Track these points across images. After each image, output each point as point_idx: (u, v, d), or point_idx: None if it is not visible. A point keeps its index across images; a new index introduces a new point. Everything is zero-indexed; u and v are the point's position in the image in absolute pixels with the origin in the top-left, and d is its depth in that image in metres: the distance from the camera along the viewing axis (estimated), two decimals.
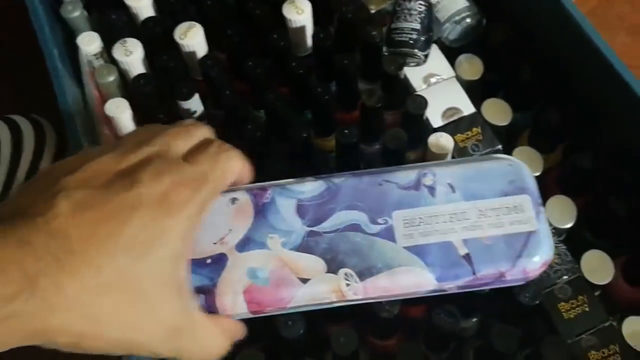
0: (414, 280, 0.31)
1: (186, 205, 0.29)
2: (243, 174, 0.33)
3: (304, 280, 0.31)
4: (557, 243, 0.40)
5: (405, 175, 0.34)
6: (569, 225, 0.41)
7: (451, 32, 0.47)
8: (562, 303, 0.39)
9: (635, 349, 0.38)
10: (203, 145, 0.32)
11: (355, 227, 0.32)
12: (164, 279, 0.28)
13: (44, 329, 0.25)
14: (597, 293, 0.42)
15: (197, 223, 0.30)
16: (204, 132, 0.33)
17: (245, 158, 0.33)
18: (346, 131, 0.42)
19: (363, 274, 0.31)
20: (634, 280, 0.42)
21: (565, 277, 0.39)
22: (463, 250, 0.31)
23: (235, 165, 0.32)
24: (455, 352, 0.41)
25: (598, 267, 0.41)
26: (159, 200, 0.28)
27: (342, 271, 0.31)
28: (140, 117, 0.46)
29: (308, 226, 0.32)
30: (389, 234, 0.32)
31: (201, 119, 0.44)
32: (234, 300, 0.31)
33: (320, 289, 0.31)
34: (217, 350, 0.31)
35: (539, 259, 0.31)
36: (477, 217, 0.32)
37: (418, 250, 0.31)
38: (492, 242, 0.31)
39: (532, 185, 0.33)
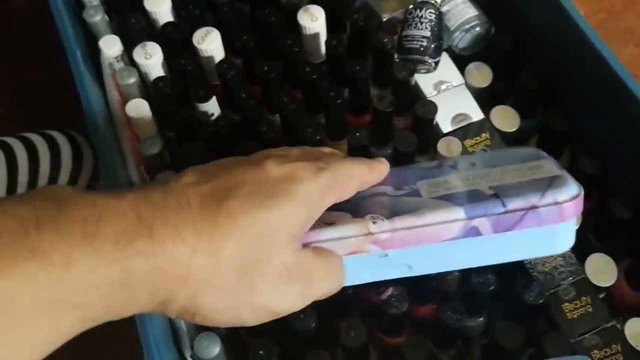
0: (443, 214, 0.32)
1: (309, 180, 0.30)
2: (372, 177, 0.35)
3: (331, 224, 0.32)
4: None
5: (428, 163, 0.36)
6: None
7: (461, 41, 0.48)
8: (566, 303, 0.40)
9: (637, 349, 0.39)
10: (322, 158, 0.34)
11: (381, 194, 0.34)
12: (283, 234, 0.29)
13: (188, 272, 0.27)
14: (601, 295, 0.43)
15: (316, 209, 0.31)
16: (321, 150, 0.37)
17: (375, 163, 0.35)
18: (358, 134, 0.43)
19: (390, 215, 0.32)
20: (637, 284, 0.43)
21: (569, 278, 0.41)
22: (490, 192, 0.32)
23: (359, 170, 0.34)
24: (461, 350, 0.42)
25: (602, 270, 0.42)
26: (283, 174, 0.30)
27: (368, 215, 0.32)
28: (159, 118, 0.48)
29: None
30: (414, 194, 0.33)
31: (218, 121, 0.46)
32: None
33: (348, 228, 0.32)
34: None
35: (568, 191, 0.32)
36: (500, 174, 0.33)
37: (445, 197, 0.32)
38: (518, 184, 0.32)
39: (550, 158, 0.35)
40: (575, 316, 0.39)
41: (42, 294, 0.23)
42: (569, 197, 0.32)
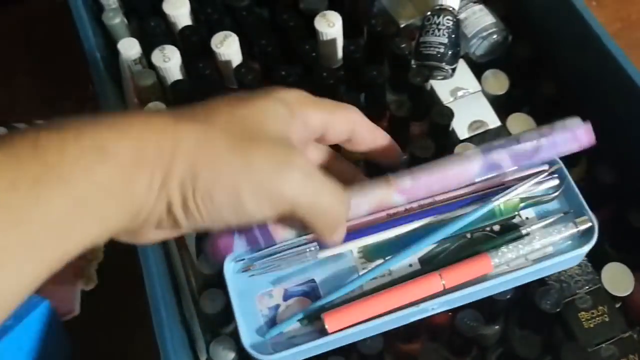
0: (462, 160, 0.33)
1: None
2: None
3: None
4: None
5: None
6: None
7: (478, 48, 0.48)
8: (583, 312, 0.39)
9: None
10: None
11: None
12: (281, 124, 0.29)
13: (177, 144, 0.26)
14: (617, 305, 0.42)
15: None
16: None
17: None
18: None
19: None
20: None
21: (586, 287, 0.40)
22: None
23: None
24: (477, 358, 0.41)
25: (618, 279, 0.41)
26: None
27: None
28: None
29: None
30: None
31: None
32: None
33: (368, 185, 0.33)
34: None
35: (576, 121, 0.34)
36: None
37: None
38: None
39: None
40: (591, 325, 0.39)
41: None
42: (577, 123, 0.34)
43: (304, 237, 0.36)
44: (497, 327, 0.41)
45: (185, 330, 0.41)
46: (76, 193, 0.24)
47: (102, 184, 0.24)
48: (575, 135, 0.34)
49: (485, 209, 0.35)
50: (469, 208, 0.35)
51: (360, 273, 0.35)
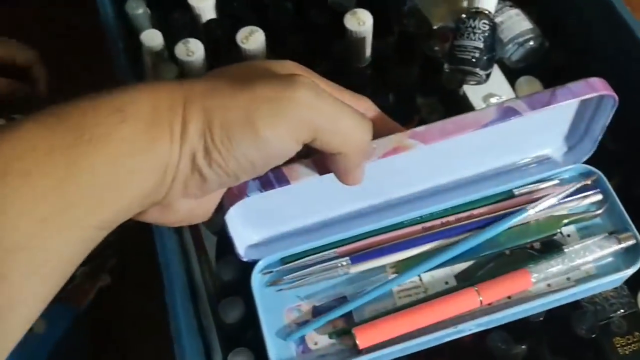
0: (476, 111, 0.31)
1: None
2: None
3: None
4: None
5: None
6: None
7: (514, 53, 0.45)
8: (618, 337, 0.37)
9: None
10: None
11: None
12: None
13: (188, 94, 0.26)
14: None
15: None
16: None
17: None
18: None
19: None
20: None
21: (621, 311, 0.37)
22: None
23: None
24: None
25: None
26: None
27: None
28: None
29: None
30: None
31: None
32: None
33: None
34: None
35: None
36: None
37: None
38: None
39: None
40: (627, 352, 0.36)
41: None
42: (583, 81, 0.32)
43: (333, 250, 0.34)
44: (523, 347, 0.38)
45: (202, 338, 0.39)
46: (107, 152, 0.24)
47: (129, 142, 0.25)
48: (589, 83, 0.31)
49: (520, 217, 0.33)
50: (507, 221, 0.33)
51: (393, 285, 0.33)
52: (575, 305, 0.37)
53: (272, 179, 0.30)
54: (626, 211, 0.40)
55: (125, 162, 0.25)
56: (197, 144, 0.26)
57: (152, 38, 0.46)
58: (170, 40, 0.46)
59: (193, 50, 0.45)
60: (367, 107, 0.33)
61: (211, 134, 0.26)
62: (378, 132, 0.32)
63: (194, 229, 0.41)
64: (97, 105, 0.25)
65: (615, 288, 0.38)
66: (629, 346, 0.36)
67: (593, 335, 0.35)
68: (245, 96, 0.26)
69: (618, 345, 0.36)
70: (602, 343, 0.36)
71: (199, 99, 0.26)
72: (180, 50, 0.45)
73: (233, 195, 0.30)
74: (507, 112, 0.31)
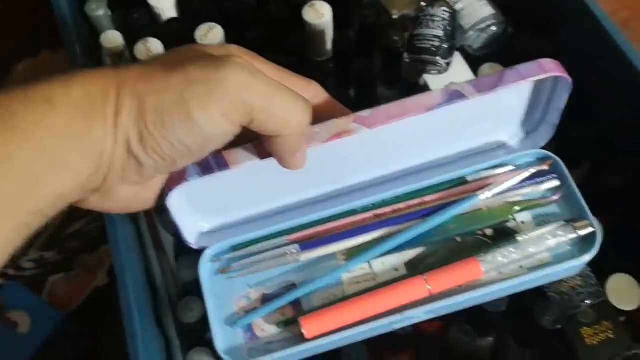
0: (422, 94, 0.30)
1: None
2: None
3: None
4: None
5: None
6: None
7: (475, 40, 0.44)
8: (585, 328, 0.35)
9: None
10: None
11: None
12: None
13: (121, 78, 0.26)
14: (621, 319, 0.38)
15: None
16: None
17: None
18: None
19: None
20: None
21: (588, 301, 0.36)
22: None
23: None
24: None
25: (624, 292, 0.36)
26: None
27: None
28: None
29: None
30: None
31: None
32: None
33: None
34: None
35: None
36: None
37: None
38: None
39: None
40: (595, 342, 0.34)
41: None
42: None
43: (285, 237, 0.33)
44: (490, 339, 0.37)
45: (164, 339, 0.37)
46: (34, 142, 0.24)
47: (58, 131, 0.24)
48: (539, 64, 0.30)
49: (469, 203, 0.31)
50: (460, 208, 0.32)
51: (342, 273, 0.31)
52: (541, 296, 0.35)
53: (212, 163, 0.29)
54: (593, 200, 0.38)
55: (56, 150, 0.24)
56: (132, 130, 0.25)
57: (112, 39, 0.45)
58: (132, 41, 0.45)
59: (152, 49, 0.44)
60: (316, 91, 0.32)
61: (144, 118, 0.25)
62: (327, 117, 0.31)
63: (153, 229, 0.39)
64: (28, 93, 0.24)
65: (583, 277, 0.37)
66: (597, 336, 0.35)
67: (559, 326, 0.33)
68: (177, 79, 0.26)
69: (586, 336, 0.35)
70: (570, 333, 0.35)
71: (132, 84, 0.26)
72: (139, 50, 0.44)
73: (173, 180, 0.29)
74: (453, 96, 0.29)
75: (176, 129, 0.25)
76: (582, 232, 0.31)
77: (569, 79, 0.31)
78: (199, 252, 0.33)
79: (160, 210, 0.35)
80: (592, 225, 0.31)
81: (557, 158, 0.33)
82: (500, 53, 0.44)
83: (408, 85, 0.41)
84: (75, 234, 0.54)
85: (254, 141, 0.29)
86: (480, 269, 0.30)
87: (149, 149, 0.26)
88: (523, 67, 0.30)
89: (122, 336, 0.32)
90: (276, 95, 0.26)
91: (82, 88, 0.25)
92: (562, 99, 0.32)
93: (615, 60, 0.39)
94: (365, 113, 0.30)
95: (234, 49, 0.30)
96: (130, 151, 0.26)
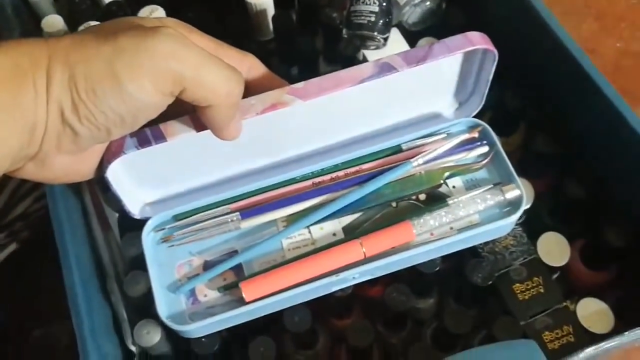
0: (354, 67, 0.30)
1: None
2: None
3: None
4: (513, 225, 0.38)
5: None
6: (526, 207, 0.39)
7: (411, 15, 0.45)
8: (517, 284, 0.37)
9: (589, 330, 0.36)
10: None
11: None
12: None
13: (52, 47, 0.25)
14: (555, 276, 0.40)
15: None
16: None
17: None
18: None
19: None
20: (592, 264, 0.40)
21: (521, 259, 0.37)
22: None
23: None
24: (412, 333, 0.39)
25: (554, 249, 0.38)
26: None
27: None
28: None
29: None
30: None
31: None
32: None
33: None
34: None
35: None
36: None
37: None
38: None
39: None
40: (526, 297, 0.36)
41: None
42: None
43: (227, 206, 0.33)
44: (430, 300, 0.38)
45: (112, 313, 0.38)
46: None
47: None
48: (466, 37, 0.31)
49: (404, 169, 0.33)
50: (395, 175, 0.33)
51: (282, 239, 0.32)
52: (475, 256, 0.37)
53: (149, 135, 0.29)
54: (527, 164, 0.40)
55: None
56: (64, 99, 0.25)
57: (53, 24, 0.45)
58: (74, 25, 0.45)
59: None
60: (252, 63, 0.32)
61: (76, 87, 0.25)
62: (264, 90, 0.31)
63: (98, 207, 0.40)
64: None
65: (515, 237, 0.38)
66: (528, 291, 0.36)
67: (490, 283, 0.35)
68: (108, 48, 0.25)
69: (518, 292, 0.36)
70: (502, 291, 0.36)
71: (63, 53, 0.25)
72: None
73: (110, 153, 0.29)
74: (383, 68, 0.30)
75: (107, 97, 0.25)
76: (509, 195, 0.33)
77: (494, 50, 0.32)
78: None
79: (105, 189, 0.35)
80: (518, 188, 0.33)
81: (486, 125, 0.35)
82: (436, 28, 0.45)
83: (347, 60, 0.42)
84: (21, 215, 0.54)
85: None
86: (412, 232, 0.31)
87: (83, 118, 0.26)
88: (451, 40, 0.31)
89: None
90: (205, 65, 0.26)
91: (11, 58, 0.25)
92: (488, 71, 0.33)
93: (539, 30, 0.40)
94: (299, 85, 0.30)
95: (170, 21, 0.30)
96: (65, 120, 0.26)
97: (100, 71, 0.25)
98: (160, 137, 0.29)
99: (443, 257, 0.35)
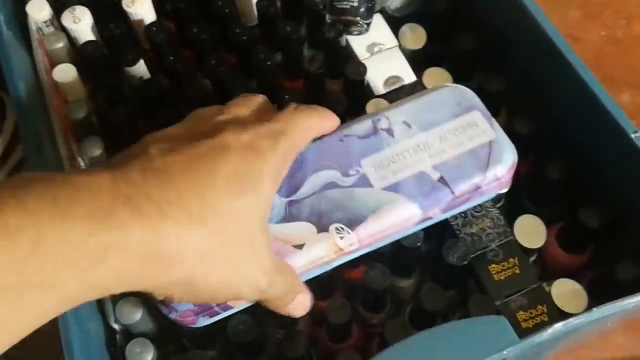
0: (400, 214, 0.31)
1: (272, 152, 0.28)
2: (323, 127, 0.33)
3: (300, 247, 0.30)
4: (490, 208, 0.39)
5: (361, 125, 0.34)
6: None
7: (393, 1, 0.45)
8: (493, 265, 0.37)
9: (562, 309, 0.36)
10: (268, 109, 0.32)
11: (331, 185, 0.32)
12: (258, 218, 0.27)
13: (159, 252, 0.24)
14: (532, 258, 0.41)
15: (282, 174, 0.30)
16: (260, 97, 0.33)
17: (326, 112, 0.33)
18: (287, 96, 0.40)
19: (352, 224, 0.31)
20: (568, 247, 0.40)
21: (497, 240, 0.38)
22: (436, 175, 0.32)
23: (312, 121, 0.31)
24: (391, 312, 0.39)
25: (531, 232, 0.39)
26: (246, 146, 0.27)
27: (332, 227, 0.31)
28: (89, 85, 0.44)
29: (286, 197, 0.31)
30: (364, 182, 0.32)
31: (147, 84, 0.43)
32: None
33: (318, 249, 0.31)
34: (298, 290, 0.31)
35: (505, 162, 0.32)
36: (439, 143, 0.32)
37: (395, 188, 0.31)
38: (459, 160, 0.32)
39: (478, 101, 0.34)
40: (502, 278, 0.37)
41: (5, 277, 0.21)
42: (507, 169, 0.32)
43: None
44: (410, 280, 0.39)
45: None
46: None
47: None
48: (501, 184, 0.33)
49: None
50: None
51: None
52: (452, 237, 0.38)
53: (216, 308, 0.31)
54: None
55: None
56: (164, 289, 0.27)
57: (38, 8, 0.45)
58: (60, 10, 0.45)
59: (80, 17, 0.44)
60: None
61: (187, 293, 0.27)
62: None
63: None
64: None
65: (492, 219, 0.39)
66: (504, 272, 0.37)
67: (465, 263, 0.35)
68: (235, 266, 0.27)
69: (493, 272, 0.37)
70: (478, 271, 0.37)
71: (188, 265, 0.26)
72: (66, 18, 0.44)
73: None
74: (424, 221, 0.32)
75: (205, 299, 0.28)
76: None
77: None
78: None
79: None
80: None
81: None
82: (418, 14, 0.46)
83: (330, 45, 0.42)
84: None
85: None
86: None
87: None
88: (487, 189, 0.32)
89: None
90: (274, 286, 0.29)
91: (97, 249, 0.23)
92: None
93: (522, 17, 0.40)
94: (352, 247, 0.31)
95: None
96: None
97: (220, 285, 0.27)
98: (226, 308, 0.31)
99: (425, 235, 0.35)
